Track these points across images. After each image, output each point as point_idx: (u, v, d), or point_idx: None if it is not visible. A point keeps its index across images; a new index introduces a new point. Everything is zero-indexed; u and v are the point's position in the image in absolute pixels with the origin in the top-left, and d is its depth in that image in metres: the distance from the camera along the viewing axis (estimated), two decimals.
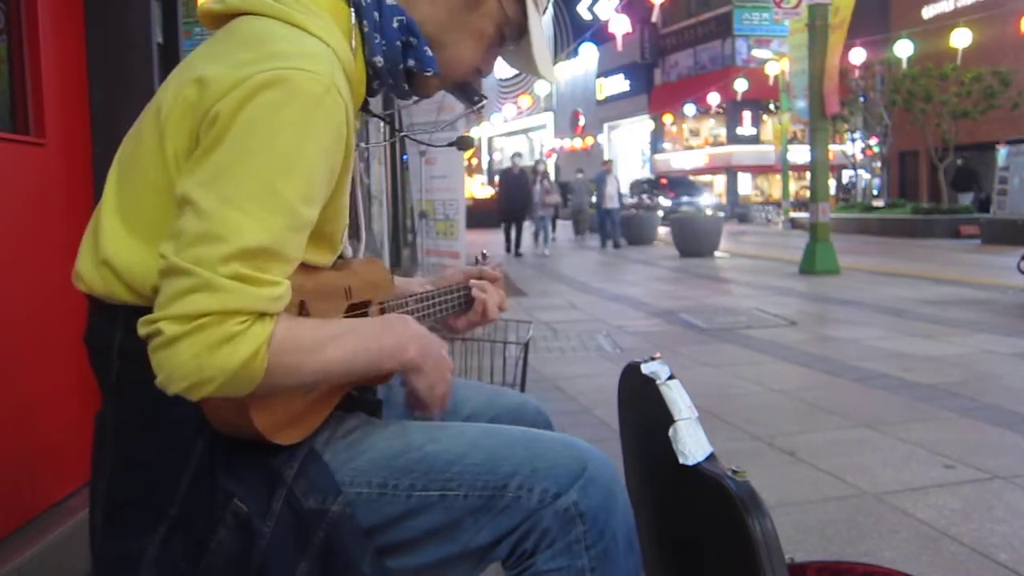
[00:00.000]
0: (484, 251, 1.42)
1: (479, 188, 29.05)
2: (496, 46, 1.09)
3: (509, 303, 1.37)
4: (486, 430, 1.05)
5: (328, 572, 0.95)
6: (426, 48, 1.02)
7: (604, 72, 38.04)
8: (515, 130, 46.17)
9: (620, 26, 20.62)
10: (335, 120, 0.88)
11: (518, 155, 15.61)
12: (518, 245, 14.47)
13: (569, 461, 0.99)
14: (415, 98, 1.12)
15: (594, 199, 19.00)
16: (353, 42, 0.97)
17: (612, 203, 15.74)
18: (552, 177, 16.32)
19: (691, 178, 29.52)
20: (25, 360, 1.79)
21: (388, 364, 0.98)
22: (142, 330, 0.82)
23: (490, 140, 49.03)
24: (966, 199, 18.19)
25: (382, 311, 1.13)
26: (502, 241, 15.11)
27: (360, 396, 1.13)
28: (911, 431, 3.16)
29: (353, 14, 0.98)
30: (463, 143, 1.32)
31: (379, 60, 0.99)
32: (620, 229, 15.88)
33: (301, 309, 0.95)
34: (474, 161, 46.38)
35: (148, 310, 0.83)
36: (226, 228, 0.81)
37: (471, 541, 0.98)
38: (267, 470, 0.95)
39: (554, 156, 37.78)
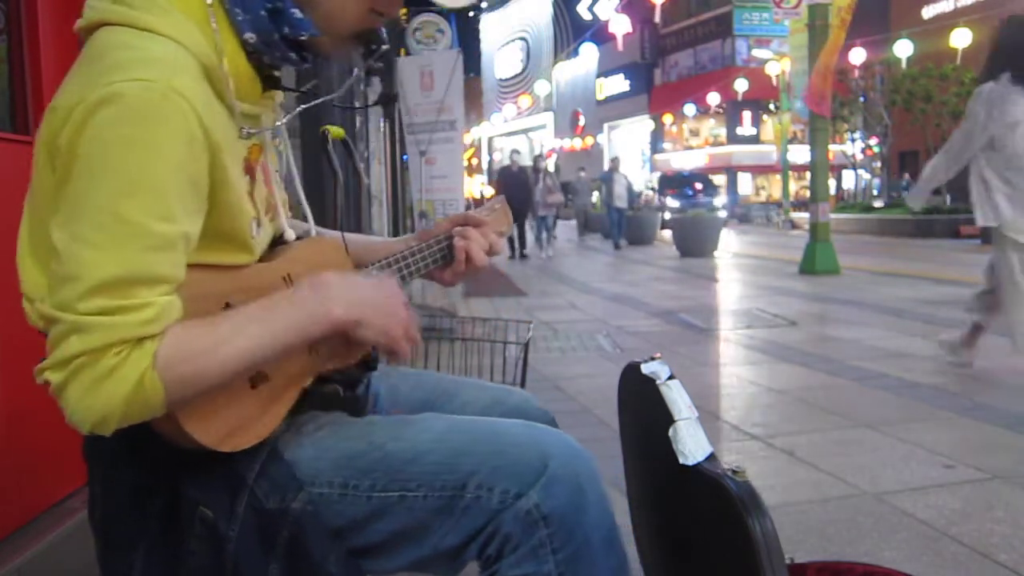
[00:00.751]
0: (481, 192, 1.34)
1: (479, 188, 29.03)
2: None
3: (509, 302, 1.34)
4: (452, 425, 1.02)
5: (296, 573, 0.94)
6: (294, 11, 0.94)
7: (604, 72, 38.05)
8: (515, 130, 46.16)
9: (620, 26, 20.63)
10: (180, 127, 0.83)
11: (516, 152, 14.65)
12: (522, 245, 13.76)
13: (531, 458, 0.95)
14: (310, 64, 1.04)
15: (593, 198, 18.85)
16: (216, 26, 0.90)
17: (621, 202, 15.26)
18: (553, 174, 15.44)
19: (710, 177, 27.93)
20: (26, 360, 1.79)
21: (315, 331, 0.93)
22: (37, 379, 0.82)
23: (490, 140, 49.01)
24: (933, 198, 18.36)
25: None
26: (505, 245, 14.82)
27: (341, 394, 1.10)
28: (911, 431, 3.16)
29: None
30: (384, 99, 1.25)
31: (251, 36, 0.93)
32: (624, 230, 15.40)
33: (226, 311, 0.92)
34: (474, 161, 46.38)
35: None
36: (79, 267, 0.79)
37: (440, 544, 0.96)
38: (229, 474, 0.94)
39: (554, 156, 37.75)
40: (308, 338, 0.93)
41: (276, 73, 1.02)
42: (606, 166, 17.32)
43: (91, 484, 1.01)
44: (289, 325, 0.91)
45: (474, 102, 45.75)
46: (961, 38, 15.81)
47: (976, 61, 18.75)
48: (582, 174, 18.84)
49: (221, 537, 0.92)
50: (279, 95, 1.08)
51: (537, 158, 15.51)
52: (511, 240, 13.63)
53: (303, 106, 1.13)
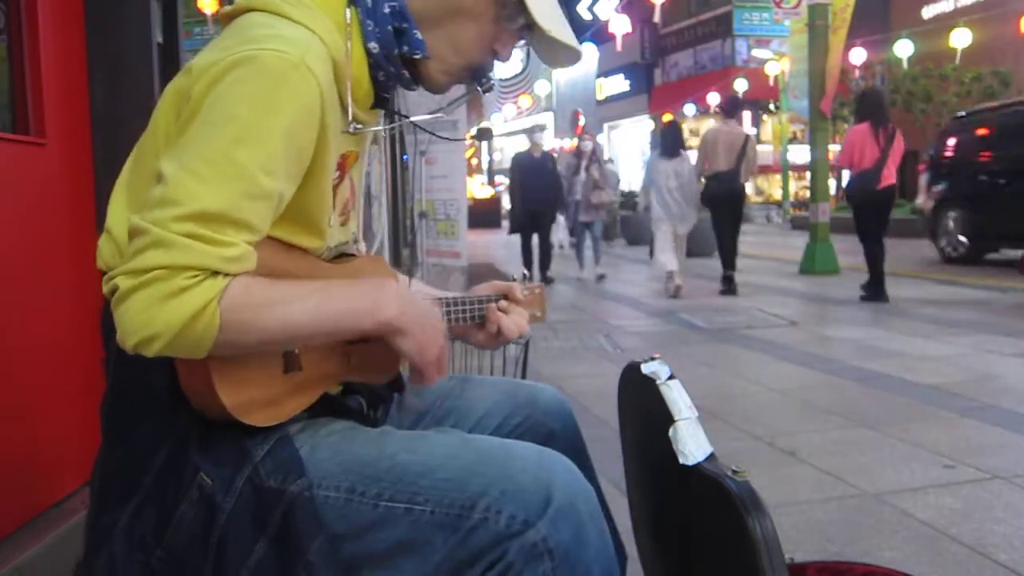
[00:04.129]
0: (526, 272, 1.39)
1: (479, 188, 29.02)
2: (501, 21, 1.05)
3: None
4: (465, 442, 1.03)
5: (280, 554, 0.94)
6: (415, 31, 1.02)
7: (604, 72, 38.02)
8: (515, 130, 46.12)
9: (620, 26, 20.61)
10: (303, 96, 0.90)
11: (538, 130, 9.97)
12: (544, 266, 9.37)
13: (538, 487, 0.95)
14: (420, 87, 1.10)
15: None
16: (350, 31, 1.00)
17: None
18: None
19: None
20: (26, 360, 1.79)
21: (364, 324, 0.97)
22: (105, 288, 0.86)
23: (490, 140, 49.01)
24: None
25: None
26: (507, 245, 11.58)
27: (363, 409, 1.13)
28: (911, 431, 3.16)
29: (347, 4, 1.01)
30: (482, 134, 1.33)
31: (374, 46, 1.02)
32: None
33: None
34: (474, 161, 46.33)
35: None
36: (182, 192, 0.84)
37: (443, 561, 0.95)
38: (237, 448, 0.96)
39: (555, 156, 37.58)
40: (357, 329, 0.97)
41: (385, 95, 1.10)
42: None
43: (100, 448, 1.02)
44: (343, 309, 0.95)
45: (474, 102, 45.69)
46: (961, 38, 15.79)
47: (976, 61, 18.68)
48: (609, 164, 14.67)
49: (215, 507, 0.93)
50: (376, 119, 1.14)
51: (582, 138, 10.51)
52: (526, 257, 9.53)
53: (389, 125, 1.17)
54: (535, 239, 9.34)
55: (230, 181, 0.86)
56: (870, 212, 6.93)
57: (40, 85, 1.88)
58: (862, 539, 2.19)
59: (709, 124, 6.27)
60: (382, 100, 1.09)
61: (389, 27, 1.01)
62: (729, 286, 7.92)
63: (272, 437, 0.97)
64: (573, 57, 1.12)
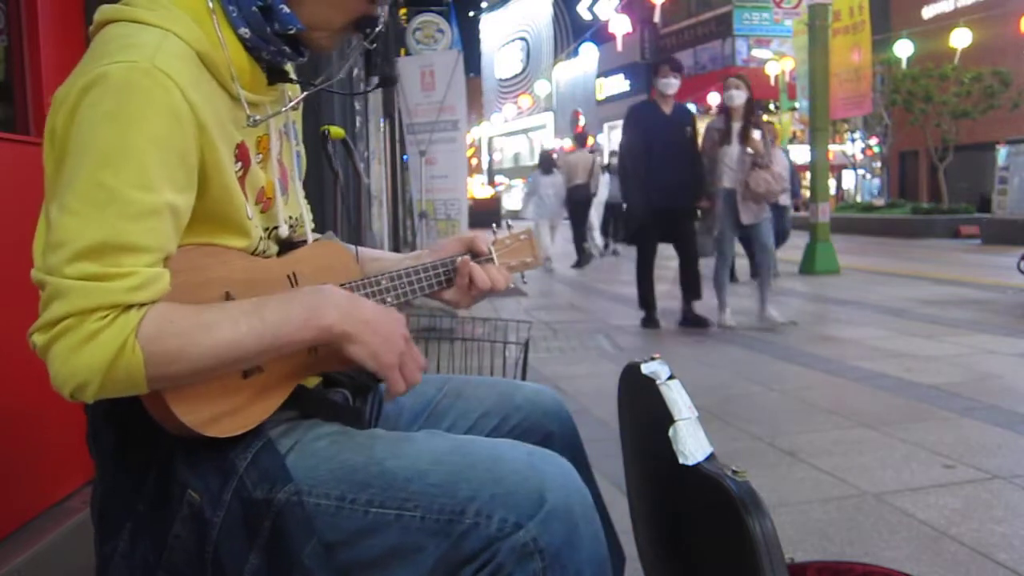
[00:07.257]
0: (496, 225, 1.26)
1: (479, 188, 29.03)
2: None
3: (509, 302, 1.31)
4: (453, 446, 1.01)
5: (273, 564, 0.94)
6: (282, 6, 0.98)
7: (604, 72, 38.04)
8: (515, 130, 46.13)
9: (620, 26, 20.62)
10: (161, 100, 0.86)
11: (677, 67, 5.65)
12: (692, 293, 5.80)
13: (529, 489, 0.94)
14: (305, 57, 1.06)
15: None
16: (217, 21, 0.95)
17: (783, 196, 7.18)
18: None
19: None
20: (26, 360, 1.79)
21: (303, 334, 0.92)
22: (31, 344, 0.86)
23: (490, 140, 49.00)
24: None
25: None
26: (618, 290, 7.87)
27: (350, 402, 1.11)
28: (911, 431, 3.16)
29: None
30: (385, 82, 1.24)
31: (245, 32, 0.97)
32: (784, 236, 8.51)
33: (227, 300, 0.94)
34: (474, 161, 46.34)
35: None
36: (65, 233, 0.83)
37: (436, 566, 0.94)
38: (221, 460, 0.95)
39: (554, 156, 37.58)
40: (297, 341, 0.93)
41: (286, 68, 1.06)
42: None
43: (94, 486, 1.02)
44: (279, 324, 0.91)
45: (474, 102, 45.71)
46: (961, 38, 15.81)
47: (976, 61, 18.69)
48: (781, 151, 7.88)
49: (206, 522, 0.93)
50: (292, 90, 1.11)
51: (727, 86, 5.52)
52: (643, 286, 5.91)
53: (303, 94, 1.12)
54: (653, 256, 5.80)
55: (103, 208, 0.82)
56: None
57: (40, 85, 1.88)
58: (862, 539, 2.19)
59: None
60: (279, 74, 1.05)
61: (254, 8, 0.97)
62: (584, 259, 11.34)
63: (255, 445, 0.96)
64: None
